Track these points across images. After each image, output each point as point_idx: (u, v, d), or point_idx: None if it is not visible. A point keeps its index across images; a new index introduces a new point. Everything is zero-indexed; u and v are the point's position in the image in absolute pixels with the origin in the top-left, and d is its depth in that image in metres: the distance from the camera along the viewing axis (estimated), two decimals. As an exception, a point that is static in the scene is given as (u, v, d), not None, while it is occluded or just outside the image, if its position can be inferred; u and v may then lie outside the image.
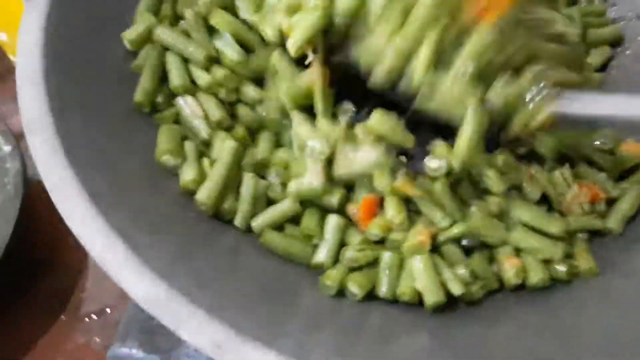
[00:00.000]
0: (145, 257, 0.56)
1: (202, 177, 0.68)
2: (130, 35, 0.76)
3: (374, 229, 0.66)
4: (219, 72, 0.75)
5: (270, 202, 0.70)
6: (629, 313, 0.64)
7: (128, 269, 0.55)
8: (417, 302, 0.64)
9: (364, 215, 0.68)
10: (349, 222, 0.69)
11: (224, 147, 0.69)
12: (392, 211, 0.67)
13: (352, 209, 0.68)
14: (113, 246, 0.56)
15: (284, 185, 0.70)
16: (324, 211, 0.69)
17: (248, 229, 0.68)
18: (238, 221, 0.68)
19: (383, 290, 0.64)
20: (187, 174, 0.67)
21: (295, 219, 0.69)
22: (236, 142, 0.69)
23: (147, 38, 0.77)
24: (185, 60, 0.76)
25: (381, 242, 0.67)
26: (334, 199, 0.68)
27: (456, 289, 0.62)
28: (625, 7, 0.91)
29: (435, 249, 0.67)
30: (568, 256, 0.67)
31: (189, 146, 0.70)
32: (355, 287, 0.64)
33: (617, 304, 0.65)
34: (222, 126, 0.73)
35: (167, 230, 0.62)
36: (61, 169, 0.60)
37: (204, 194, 0.66)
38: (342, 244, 0.67)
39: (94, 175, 0.61)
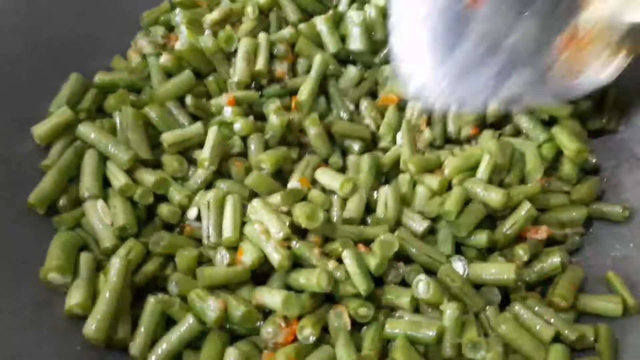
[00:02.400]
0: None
1: (90, 300, 0.56)
2: (40, 130, 0.66)
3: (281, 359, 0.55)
4: (147, 177, 0.66)
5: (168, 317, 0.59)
6: None
7: None
8: None
9: (283, 339, 0.58)
10: (253, 352, 0.58)
11: (113, 266, 0.57)
12: (310, 329, 0.58)
13: (268, 329, 0.58)
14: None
15: (183, 298, 0.59)
16: (230, 335, 0.59)
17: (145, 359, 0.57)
18: (134, 351, 0.56)
19: None
20: (74, 297, 0.56)
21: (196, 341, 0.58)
22: (125, 261, 0.58)
23: (60, 133, 0.67)
24: (105, 158, 0.67)
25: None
26: None
27: None
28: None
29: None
30: None
31: (84, 260, 0.59)
32: None
33: None
34: (128, 233, 0.63)
35: None
36: None
37: (93, 327, 0.54)
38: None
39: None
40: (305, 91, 0.75)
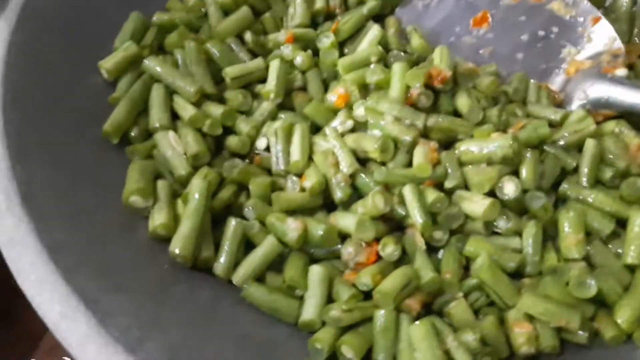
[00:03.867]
0: (111, 327, 0.45)
1: (173, 221, 0.56)
2: (107, 63, 0.65)
3: (365, 278, 0.54)
4: (215, 109, 0.65)
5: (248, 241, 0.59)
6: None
7: (90, 344, 0.43)
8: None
9: (365, 259, 0.57)
10: (335, 271, 0.57)
11: (195, 187, 0.56)
12: (393, 245, 0.57)
13: (349, 249, 0.57)
14: (73, 314, 0.44)
15: (261, 222, 0.59)
16: (310, 259, 0.58)
17: (229, 278, 0.56)
18: (219, 271, 0.56)
19: (380, 357, 0.51)
20: (157, 218, 0.55)
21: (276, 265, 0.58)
22: (206, 182, 0.57)
23: (126, 67, 0.66)
24: (171, 92, 0.66)
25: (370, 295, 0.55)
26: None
27: None
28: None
29: (440, 310, 0.56)
30: (591, 318, 0.55)
31: (161, 186, 0.59)
32: (349, 351, 0.51)
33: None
34: (201, 161, 0.62)
35: (137, 288, 0.50)
36: (17, 221, 0.49)
37: (179, 246, 0.53)
38: (329, 298, 0.55)
39: (54, 226, 0.50)
40: (349, 22, 0.74)
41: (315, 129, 0.67)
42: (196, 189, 0.56)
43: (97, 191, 0.58)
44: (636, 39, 0.81)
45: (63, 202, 0.53)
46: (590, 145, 0.62)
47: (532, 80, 0.73)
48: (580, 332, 0.53)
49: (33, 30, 0.63)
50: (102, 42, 0.70)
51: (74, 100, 0.63)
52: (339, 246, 0.58)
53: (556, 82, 0.74)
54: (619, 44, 0.74)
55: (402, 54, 0.71)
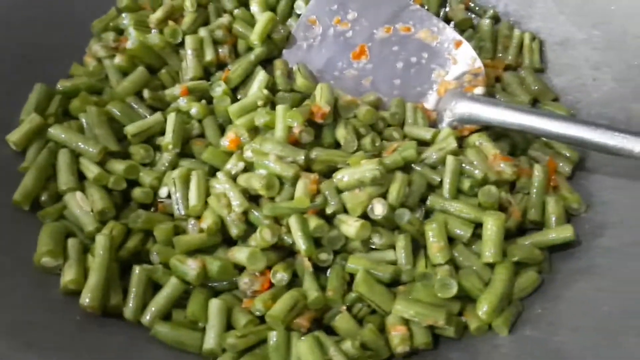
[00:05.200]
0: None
1: (83, 276, 0.61)
2: (14, 136, 0.71)
3: (258, 304, 0.61)
4: (118, 166, 0.71)
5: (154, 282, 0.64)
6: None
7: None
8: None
9: (260, 287, 0.64)
10: (235, 301, 0.64)
11: (99, 243, 0.62)
12: (282, 272, 0.64)
13: (245, 280, 0.64)
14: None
15: (165, 265, 0.65)
16: (214, 292, 0.65)
17: (138, 320, 0.62)
18: (128, 315, 0.62)
19: (274, 373, 0.57)
20: (67, 275, 0.61)
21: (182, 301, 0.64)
22: (109, 238, 0.63)
23: (32, 137, 0.71)
24: (77, 155, 0.71)
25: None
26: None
27: None
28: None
29: (328, 324, 0.63)
30: (460, 314, 0.63)
31: (71, 244, 0.64)
32: (246, 372, 0.57)
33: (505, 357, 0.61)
34: (107, 216, 0.68)
35: (50, 342, 0.56)
36: None
37: (87, 297, 0.59)
38: (228, 326, 0.62)
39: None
40: (238, 70, 0.81)
41: (215, 171, 0.73)
42: (100, 245, 0.62)
43: (12, 255, 0.63)
44: (500, 54, 0.90)
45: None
46: (449, 161, 0.70)
47: (408, 103, 0.81)
48: (447, 327, 0.61)
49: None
50: (10, 113, 0.75)
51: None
52: (238, 278, 0.65)
53: (430, 102, 0.83)
54: (479, 63, 0.82)
55: (287, 95, 0.78)
